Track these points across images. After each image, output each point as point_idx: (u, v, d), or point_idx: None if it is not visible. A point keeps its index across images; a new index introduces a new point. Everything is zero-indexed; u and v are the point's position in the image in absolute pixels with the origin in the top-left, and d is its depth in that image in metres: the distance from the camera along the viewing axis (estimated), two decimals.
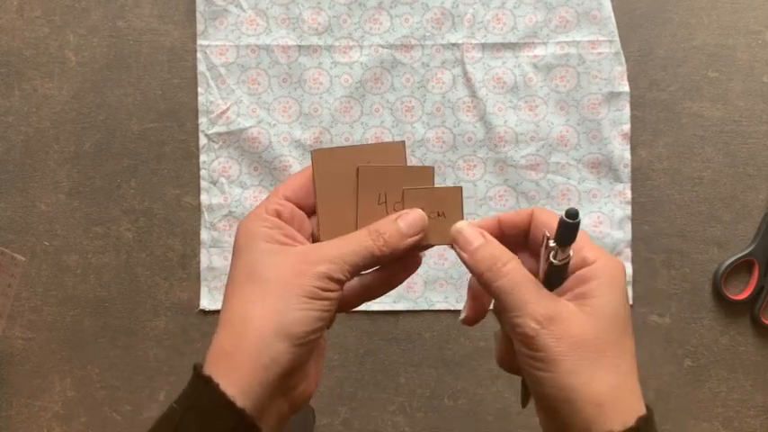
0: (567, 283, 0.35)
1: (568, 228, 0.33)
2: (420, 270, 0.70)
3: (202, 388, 0.32)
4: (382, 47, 0.71)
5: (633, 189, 0.71)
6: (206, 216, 0.71)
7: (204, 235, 0.71)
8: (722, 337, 0.71)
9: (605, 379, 0.32)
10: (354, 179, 0.37)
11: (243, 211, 0.71)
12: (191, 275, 0.71)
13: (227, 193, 0.71)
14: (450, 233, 0.37)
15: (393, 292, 0.70)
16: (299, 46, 0.71)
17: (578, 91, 0.71)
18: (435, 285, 0.71)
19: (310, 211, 0.38)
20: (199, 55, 0.71)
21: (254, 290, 0.34)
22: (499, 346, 0.39)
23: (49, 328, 0.71)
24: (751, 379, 0.71)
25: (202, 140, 0.71)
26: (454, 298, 0.71)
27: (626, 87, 0.71)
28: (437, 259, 0.71)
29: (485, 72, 0.71)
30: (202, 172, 0.71)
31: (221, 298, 0.74)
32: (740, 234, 0.71)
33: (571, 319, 0.33)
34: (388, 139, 0.71)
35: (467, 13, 0.71)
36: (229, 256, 0.70)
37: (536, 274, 0.36)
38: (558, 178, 0.71)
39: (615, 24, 0.71)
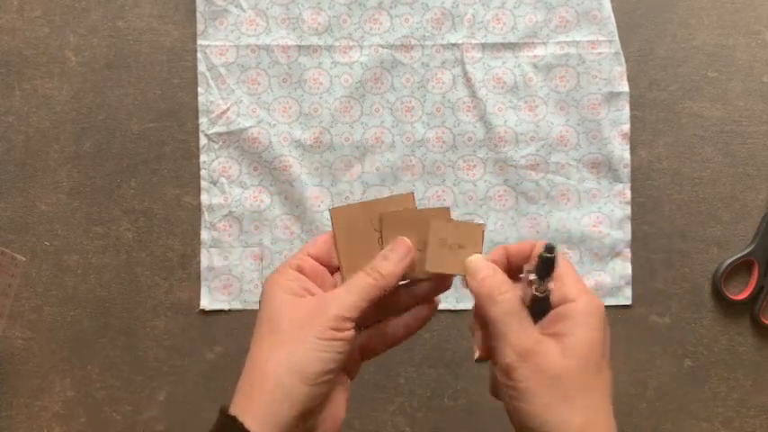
0: (549, 319, 0.37)
1: (546, 262, 0.35)
2: None
3: (229, 426, 0.34)
4: (382, 47, 0.71)
5: (633, 189, 0.71)
6: (206, 216, 0.71)
7: (204, 235, 0.71)
8: (722, 337, 0.71)
9: (576, 415, 0.34)
10: (370, 229, 0.40)
11: (243, 211, 0.71)
12: (191, 275, 0.71)
13: (228, 193, 0.71)
14: (464, 264, 0.40)
15: None
16: (299, 46, 0.71)
17: (578, 91, 0.71)
18: None
19: (333, 270, 0.41)
20: (199, 55, 0.71)
21: (274, 338, 0.37)
22: (492, 375, 0.41)
23: (49, 328, 0.71)
24: (751, 379, 0.71)
25: (202, 140, 0.71)
26: (454, 298, 0.71)
27: (626, 87, 0.71)
28: None
29: (485, 72, 0.71)
30: (202, 172, 0.71)
31: (221, 298, 0.75)
32: (740, 234, 0.71)
33: (548, 354, 0.35)
34: (388, 139, 0.71)
35: (467, 13, 0.71)
36: (229, 256, 0.71)
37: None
38: (557, 178, 0.71)
39: (615, 24, 0.71)
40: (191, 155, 0.71)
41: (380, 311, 0.42)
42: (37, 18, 0.71)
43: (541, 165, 0.71)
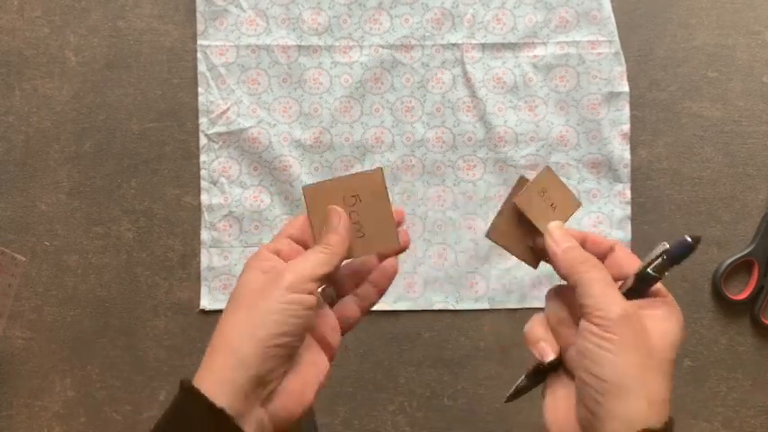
0: (643, 301, 0.39)
1: (686, 249, 0.38)
2: (420, 270, 0.71)
3: (188, 395, 0.35)
4: (382, 47, 0.71)
5: (633, 189, 0.71)
6: (206, 216, 0.71)
7: (204, 235, 0.71)
8: (722, 337, 0.71)
9: (661, 383, 0.37)
10: (341, 205, 0.41)
11: (243, 211, 0.71)
12: (191, 275, 0.71)
13: (228, 193, 0.71)
14: (547, 224, 0.42)
15: (393, 292, 0.71)
16: (299, 46, 0.71)
17: (578, 91, 0.71)
18: (435, 285, 0.71)
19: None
20: (199, 55, 0.71)
21: (236, 308, 0.38)
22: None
23: (49, 328, 0.71)
24: (750, 379, 0.71)
25: (202, 140, 0.71)
26: (454, 298, 0.71)
27: (626, 87, 0.71)
28: (437, 259, 0.71)
29: (485, 72, 0.71)
30: (202, 172, 0.71)
31: (221, 298, 0.75)
32: (740, 234, 0.71)
33: (646, 322, 0.37)
34: (388, 139, 0.71)
35: (467, 14, 0.71)
36: (229, 256, 0.71)
37: None
38: None
39: (615, 24, 0.71)
40: (191, 155, 0.71)
41: (356, 280, 0.43)
42: (37, 18, 0.71)
43: (541, 165, 0.71)
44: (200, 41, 0.71)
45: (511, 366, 0.71)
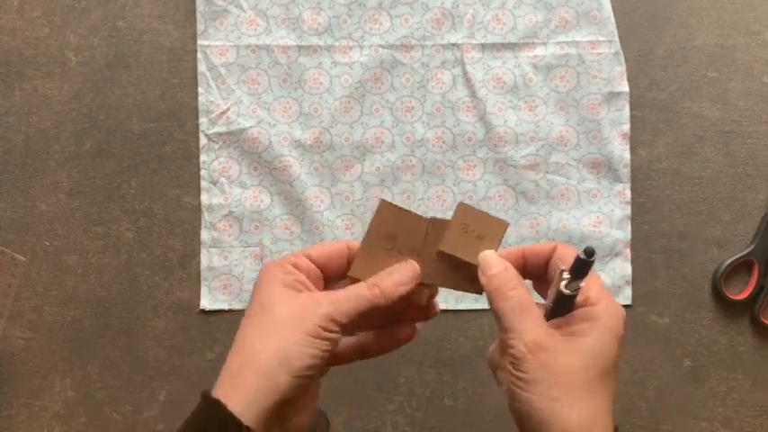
0: (568, 319, 0.38)
1: (583, 264, 0.37)
2: None
3: (213, 408, 0.36)
4: (382, 47, 0.71)
5: (633, 189, 0.71)
6: (206, 216, 0.71)
7: (204, 235, 0.71)
8: (722, 337, 0.71)
9: (578, 411, 0.35)
10: (404, 242, 0.41)
11: (243, 211, 0.71)
12: (191, 275, 0.71)
13: (228, 193, 0.71)
14: (477, 256, 0.41)
15: None
16: (299, 46, 0.71)
17: (578, 91, 0.71)
18: None
19: (329, 277, 0.42)
20: (199, 55, 0.71)
21: (266, 323, 0.38)
22: (494, 361, 0.42)
23: (49, 328, 0.71)
24: (750, 379, 0.71)
25: (202, 140, 0.71)
26: (454, 298, 0.71)
27: (626, 87, 0.71)
28: None
29: (485, 72, 0.71)
30: (202, 172, 0.71)
31: (221, 298, 0.75)
32: (740, 234, 0.71)
33: (558, 350, 0.36)
34: (388, 139, 0.71)
35: (467, 14, 0.71)
36: (229, 256, 0.71)
37: (543, 305, 0.40)
38: (557, 178, 0.71)
39: (615, 24, 0.71)
40: (191, 155, 0.71)
41: (363, 323, 0.43)
42: (37, 18, 0.71)
43: (541, 165, 0.71)
44: (200, 41, 0.71)
45: None
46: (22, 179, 0.71)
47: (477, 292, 0.42)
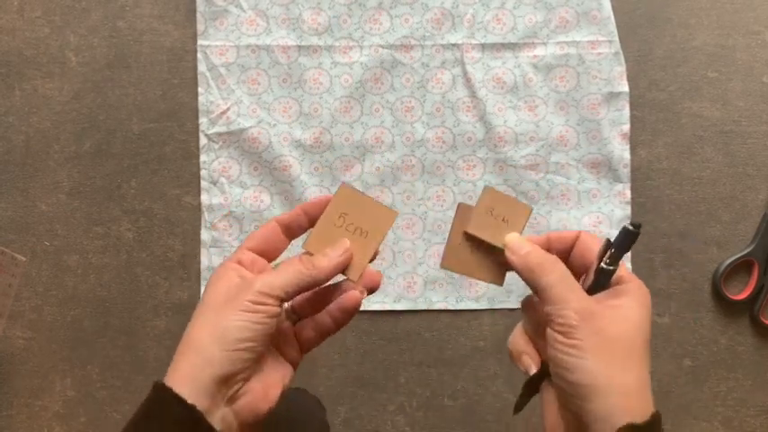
0: (605, 294, 0.40)
1: (629, 236, 0.38)
2: (420, 270, 0.71)
3: (160, 393, 0.37)
4: (382, 47, 0.71)
5: (633, 189, 0.71)
6: (206, 216, 0.71)
7: (204, 235, 0.71)
8: (722, 337, 0.71)
9: (632, 374, 0.37)
10: (347, 218, 0.43)
11: (243, 211, 0.71)
12: (191, 275, 0.71)
13: (228, 193, 0.71)
14: (504, 238, 0.42)
15: (393, 292, 0.71)
16: (299, 46, 0.71)
17: (578, 91, 0.71)
18: (435, 285, 0.71)
19: (272, 258, 0.44)
20: (199, 55, 0.71)
21: (204, 313, 0.39)
22: (520, 335, 0.43)
23: (49, 327, 0.71)
24: (750, 378, 0.71)
25: (202, 140, 0.71)
26: (454, 298, 0.71)
27: (625, 87, 0.71)
28: (437, 259, 0.71)
29: (485, 72, 0.71)
30: (202, 172, 0.71)
31: None
32: (740, 234, 0.71)
33: (607, 318, 0.38)
34: (388, 139, 0.71)
35: (467, 14, 0.71)
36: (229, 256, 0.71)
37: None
38: (557, 178, 0.71)
39: (615, 24, 0.71)
40: (191, 155, 0.71)
41: (316, 304, 0.44)
42: (37, 18, 0.71)
43: (541, 165, 0.71)
44: (200, 41, 0.71)
45: (510, 366, 0.71)
46: (22, 179, 0.71)
47: (495, 282, 0.43)
